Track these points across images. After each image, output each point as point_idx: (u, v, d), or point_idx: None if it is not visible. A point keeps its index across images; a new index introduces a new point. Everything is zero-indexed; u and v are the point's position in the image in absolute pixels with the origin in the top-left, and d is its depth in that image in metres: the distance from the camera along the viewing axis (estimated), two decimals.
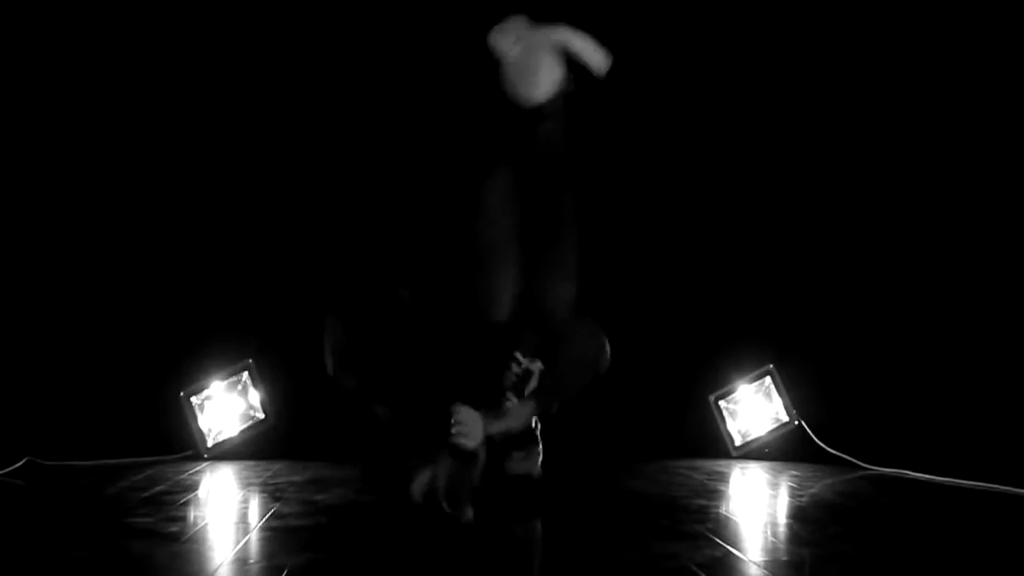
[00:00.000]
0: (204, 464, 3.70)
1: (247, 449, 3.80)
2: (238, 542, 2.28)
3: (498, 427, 2.60)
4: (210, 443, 3.78)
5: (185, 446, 3.77)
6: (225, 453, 3.79)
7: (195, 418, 3.77)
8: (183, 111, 3.93)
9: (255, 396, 3.84)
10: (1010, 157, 4.01)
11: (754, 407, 4.07)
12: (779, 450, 4.00)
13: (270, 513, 2.65)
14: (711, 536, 2.34)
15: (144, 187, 3.90)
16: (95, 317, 3.81)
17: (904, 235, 4.10)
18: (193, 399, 3.76)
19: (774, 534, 2.51)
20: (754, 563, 2.07)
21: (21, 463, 3.39)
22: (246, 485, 3.23)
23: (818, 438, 3.91)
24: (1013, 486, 3.15)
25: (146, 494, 2.95)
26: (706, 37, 4.07)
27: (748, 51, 4.09)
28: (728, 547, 2.21)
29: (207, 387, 3.80)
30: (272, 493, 3.01)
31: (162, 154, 3.93)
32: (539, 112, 2.51)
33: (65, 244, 3.84)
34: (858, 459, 3.75)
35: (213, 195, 3.93)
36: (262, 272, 3.93)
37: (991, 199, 4.04)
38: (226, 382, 3.83)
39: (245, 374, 3.83)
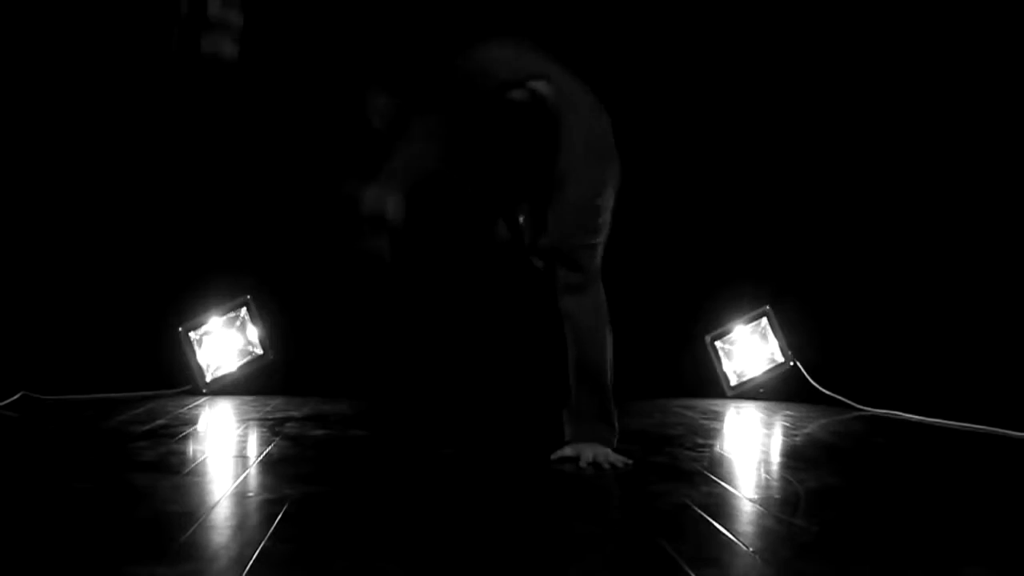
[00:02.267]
0: (203, 399, 3.72)
1: (245, 384, 3.84)
2: (238, 476, 2.30)
3: None
4: (208, 378, 3.80)
5: (183, 381, 3.80)
6: (223, 388, 3.82)
7: (194, 353, 3.79)
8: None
9: (253, 332, 3.86)
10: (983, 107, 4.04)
11: (750, 347, 4.10)
12: (774, 390, 4.04)
13: (269, 447, 2.68)
14: (707, 474, 2.37)
15: (145, 125, 3.87)
16: (93, 250, 3.81)
17: (899, 181, 4.09)
18: (192, 334, 3.78)
19: (768, 472, 2.54)
20: (748, 500, 2.10)
21: (16, 397, 3.39)
22: (245, 420, 3.25)
23: (813, 379, 3.96)
24: (1002, 427, 3.19)
25: (146, 427, 2.97)
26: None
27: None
28: (724, 485, 2.24)
29: (206, 322, 3.81)
30: (271, 428, 3.03)
31: (162, 97, 3.90)
32: None
33: (66, 178, 3.82)
34: (852, 400, 3.80)
35: (213, 131, 3.91)
36: (261, 209, 3.92)
37: (978, 147, 4.05)
38: (224, 318, 3.84)
39: (243, 310, 3.84)
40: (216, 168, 3.91)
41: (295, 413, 3.36)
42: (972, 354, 3.87)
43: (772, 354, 4.08)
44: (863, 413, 3.69)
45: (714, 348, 4.11)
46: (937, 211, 4.04)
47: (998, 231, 4.02)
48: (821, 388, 3.90)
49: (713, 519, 1.88)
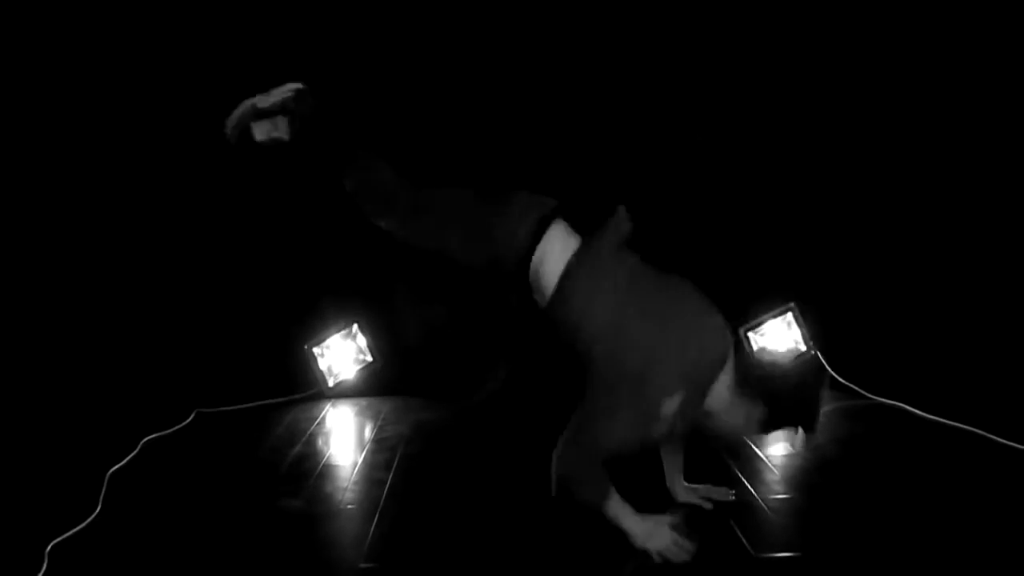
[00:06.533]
0: (328, 402, 4.61)
1: (360, 387, 4.69)
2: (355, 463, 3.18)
3: None
4: (331, 383, 4.67)
5: (312, 386, 4.67)
6: (343, 391, 4.69)
7: (318, 364, 4.65)
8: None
9: (363, 343, 4.69)
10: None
11: (778, 338, 4.79)
12: None
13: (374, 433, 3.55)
14: (736, 471, 3.14)
15: (263, 181, 4.57)
16: (238, 293, 4.64)
17: (917, 190, 4.57)
18: (315, 350, 4.63)
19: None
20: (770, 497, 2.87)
21: (192, 417, 4.28)
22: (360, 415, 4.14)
23: (831, 367, 4.60)
24: (997, 435, 3.62)
25: (294, 454, 3.89)
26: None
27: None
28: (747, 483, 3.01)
29: (326, 339, 4.66)
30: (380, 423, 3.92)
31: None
32: None
33: (216, 242, 4.65)
34: (863, 389, 4.39)
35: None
36: (365, 243, 4.65)
37: (1001, 148, 4.46)
38: (340, 334, 4.67)
39: (355, 326, 4.68)
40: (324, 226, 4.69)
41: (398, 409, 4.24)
42: (970, 354, 4.32)
43: (796, 343, 4.77)
44: (871, 402, 4.29)
45: (747, 338, 4.81)
46: (940, 216, 4.57)
47: (1008, 231, 4.45)
48: (837, 376, 4.57)
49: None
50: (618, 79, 4.62)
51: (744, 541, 2.73)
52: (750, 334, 4.80)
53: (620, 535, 2.67)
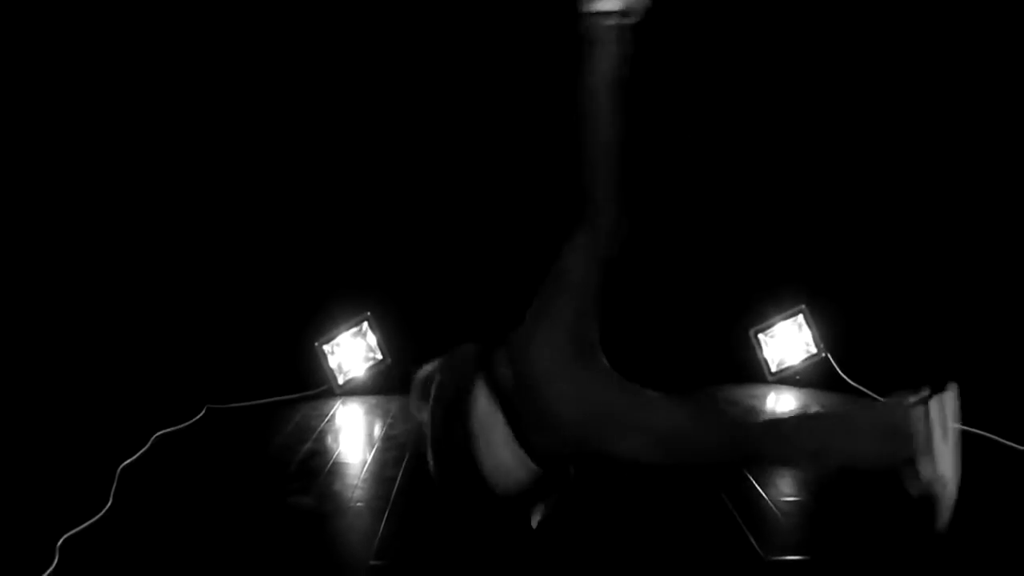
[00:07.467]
0: (338, 399, 4.62)
1: (370, 385, 4.70)
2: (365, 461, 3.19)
3: None
4: (341, 381, 4.68)
5: (322, 383, 4.68)
6: (353, 389, 4.70)
7: (328, 362, 4.66)
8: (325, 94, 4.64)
9: (374, 341, 4.70)
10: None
11: (788, 339, 4.78)
12: (808, 378, 4.72)
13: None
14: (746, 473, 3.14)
15: (273, 179, 4.68)
16: (249, 291, 4.69)
17: (930, 193, 4.60)
18: (325, 347, 4.64)
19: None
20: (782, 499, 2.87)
21: (202, 412, 4.29)
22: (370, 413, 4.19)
23: (841, 370, 4.62)
24: (1009, 439, 3.63)
25: (304, 451, 3.90)
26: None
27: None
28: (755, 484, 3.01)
29: (336, 337, 4.67)
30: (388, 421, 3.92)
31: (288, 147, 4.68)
32: None
33: (226, 239, 4.69)
34: (874, 392, 4.34)
35: (340, 187, 4.72)
36: (376, 242, 4.74)
37: (1013, 155, 4.52)
38: (350, 331, 4.68)
39: (365, 324, 4.69)
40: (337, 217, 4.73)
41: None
42: (982, 358, 4.35)
43: (807, 345, 4.76)
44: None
45: (757, 340, 4.80)
46: (953, 219, 4.60)
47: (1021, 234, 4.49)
48: (848, 379, 4.57)
49: None
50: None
51: (754, 543, 2.73)
52: (760, 335, 4.80)
53: (624, 537, 2.69)
